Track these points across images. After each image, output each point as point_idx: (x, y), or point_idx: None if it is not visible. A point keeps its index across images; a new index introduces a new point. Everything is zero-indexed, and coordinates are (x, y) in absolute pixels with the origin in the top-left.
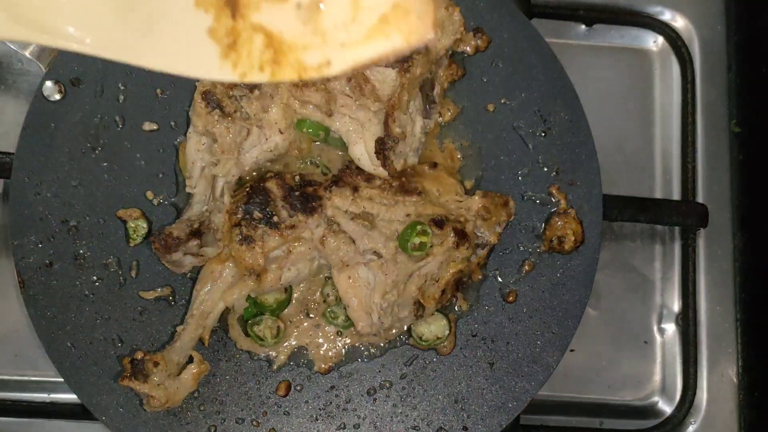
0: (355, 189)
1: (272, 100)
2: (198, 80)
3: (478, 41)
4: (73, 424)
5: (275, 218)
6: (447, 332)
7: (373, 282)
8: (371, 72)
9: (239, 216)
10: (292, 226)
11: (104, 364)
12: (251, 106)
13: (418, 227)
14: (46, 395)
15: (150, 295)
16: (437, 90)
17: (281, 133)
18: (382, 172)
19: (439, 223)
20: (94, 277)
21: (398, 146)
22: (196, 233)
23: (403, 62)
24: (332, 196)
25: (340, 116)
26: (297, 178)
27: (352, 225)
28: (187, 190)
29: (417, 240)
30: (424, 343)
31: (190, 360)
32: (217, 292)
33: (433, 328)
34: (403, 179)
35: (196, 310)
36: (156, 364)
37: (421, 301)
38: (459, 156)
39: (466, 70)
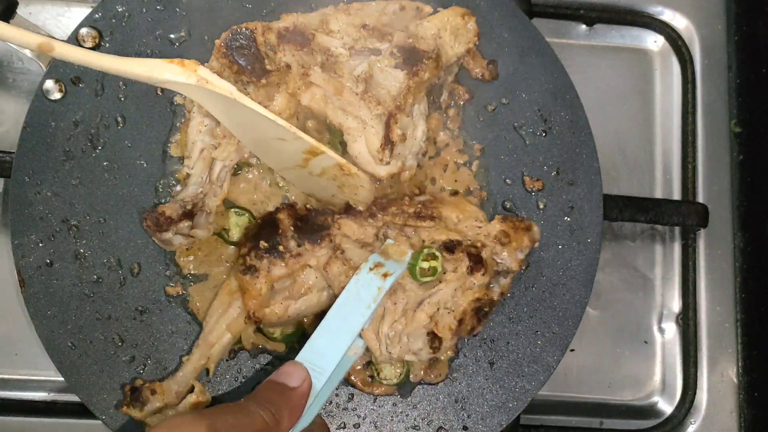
0: (371, 216)
1: (278, 89)
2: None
3: (485, 72)
4: (73, 422)
5: (281, 247)
6: (395, 381)
7: (382, 311)
8: (379, 72)
9: (247, 248)
10: (298, 255)
11: (104, 363)
12: (257, 93)
13: (426, 251)
14: (46, 394)
15: (174, 290)
16: (444, 96)
17: None
18: (379, 171)
19: (450, 247)
20: (95, 277)
21: (397, 148)
22: (189, 214)
23: (412, 65)
24: (341, 225)
25: (342, 113)
26: (310, 206)
27: (359, 252)
28: (184, 170)
29: (426, 265)
30: (383, 381)
31: (192, 388)
32: (224, 322)
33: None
34: (420, 206)
35: (201, 340)
36: (153, 392)
37: (436, 332)
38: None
39: (473, 94)
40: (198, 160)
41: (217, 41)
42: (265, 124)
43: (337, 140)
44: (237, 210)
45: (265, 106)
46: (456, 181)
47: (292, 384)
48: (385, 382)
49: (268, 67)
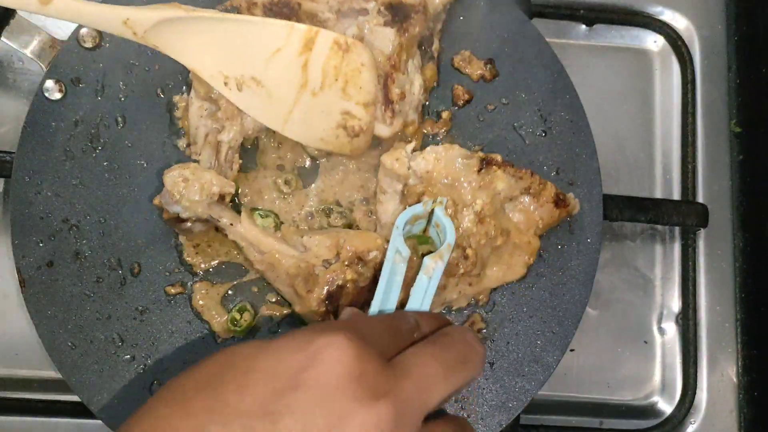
0: None
1: None
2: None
3: (486, 72)
4: (73, 422)
5: None
6: None
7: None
8: (370, 33)
9: None
10: None
11: (105, 363)
12: None
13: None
14: (46, 394)
15: (174, 290)
16: (435, 45)
17: None
18: (383, 131)
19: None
20: (95, 277)
21: (397, 106)
22: None
23: (401, 22)
24: None
25: None
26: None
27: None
28: (193, 156)
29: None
30: None
31: None
32: None
33: None
34: None
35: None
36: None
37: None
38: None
39: (473, 94)
40: (204, 146)
41: None
42: (257, 35)
43: None
44: (261, 212)
45: None
46: None
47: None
48: None
49: None
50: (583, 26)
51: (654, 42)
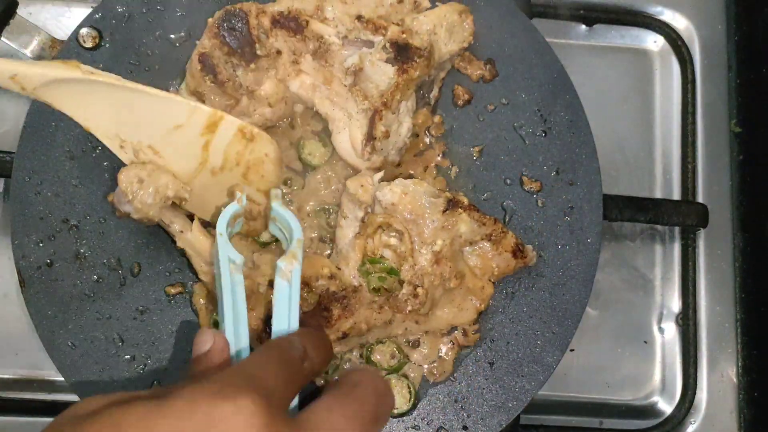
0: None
1: (267, 74)
2: None
3: (486, 72)
4: None
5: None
6: (405, 408)
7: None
8: (370, 65)
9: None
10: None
11: (105, 363)
12: (246, 77)
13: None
14: (46, 394)
15: (174, 290)
16: (434, 93)
17: (270, 107)
18: (360, 164)
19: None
20: (95, 277)
21: (380, 144)
22: None
23: (403, 62)
24: None
25: (330, 103)
26: None
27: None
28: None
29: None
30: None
31: None
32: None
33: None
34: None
35: None
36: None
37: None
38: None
39: (473, 95)
40: None
41: (210, 20)
42: (158, 109)
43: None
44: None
45: (253, 90)
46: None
47: (205, 348)
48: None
49: (258, 51)
50: (583, 26)
51: (654, 42)
